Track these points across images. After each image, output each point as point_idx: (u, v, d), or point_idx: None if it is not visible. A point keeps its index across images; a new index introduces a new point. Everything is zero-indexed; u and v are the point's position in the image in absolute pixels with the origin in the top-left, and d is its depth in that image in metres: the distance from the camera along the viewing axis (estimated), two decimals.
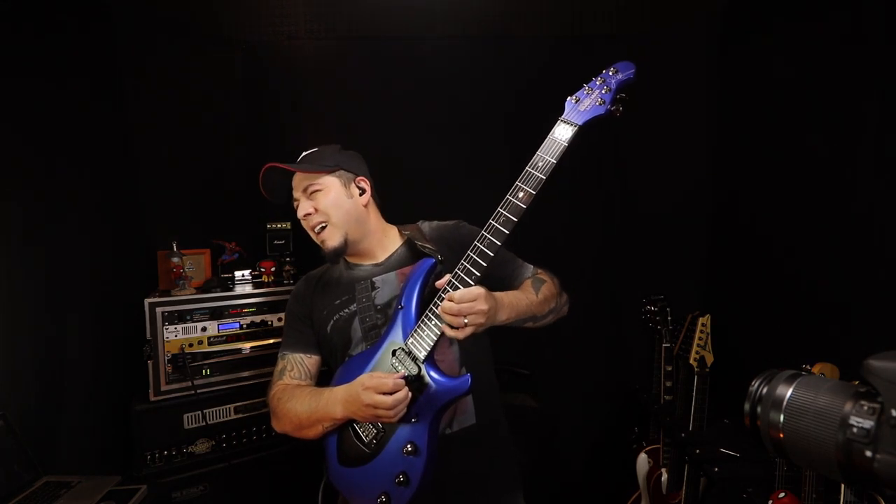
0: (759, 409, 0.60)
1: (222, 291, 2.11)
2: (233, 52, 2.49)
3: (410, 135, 2.54)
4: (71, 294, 1.97)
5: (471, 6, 2.54)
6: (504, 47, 2.59)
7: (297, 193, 1.44)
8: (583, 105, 1.21)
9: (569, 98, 1.23)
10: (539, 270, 1.48)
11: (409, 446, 1.23)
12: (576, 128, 1.20)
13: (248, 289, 2.16)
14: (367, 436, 1.29)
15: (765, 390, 0.60)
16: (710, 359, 2.08)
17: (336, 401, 1.27)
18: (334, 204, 1.41)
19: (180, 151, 2.41)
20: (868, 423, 0.50)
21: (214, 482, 2.01)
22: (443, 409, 1.23)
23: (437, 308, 1.22)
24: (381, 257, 1.47)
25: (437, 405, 1.22)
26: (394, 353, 1.28)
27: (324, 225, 1.40)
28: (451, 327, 1.18)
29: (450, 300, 1.17)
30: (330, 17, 2.55)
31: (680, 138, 2.63)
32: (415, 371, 1.23)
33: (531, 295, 1.37)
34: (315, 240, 1.45)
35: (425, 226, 1.51)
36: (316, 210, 1.40)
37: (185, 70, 2.41)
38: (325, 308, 1.44)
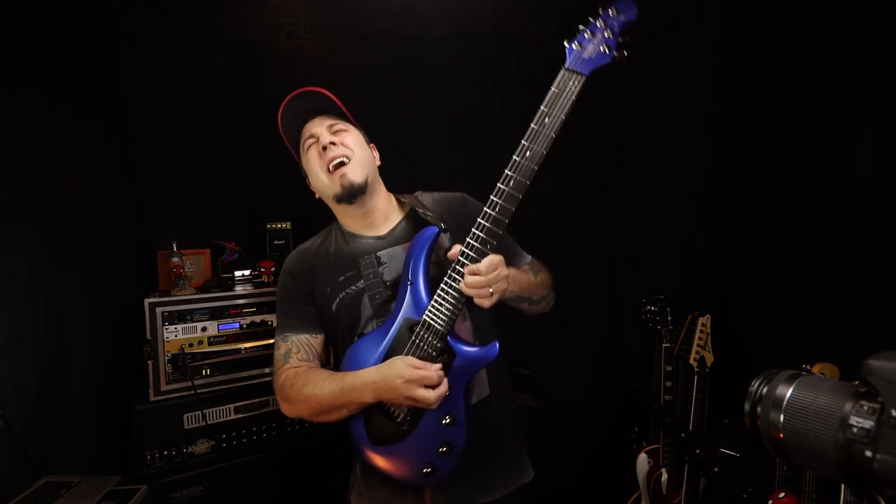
0: (759, 409, 0.60)
1: (222, 291, 2.12)
2: (233, 52, 2.49)
3: (410, 134, 2.54)
4: (71, 294, 1.97)
5: (470, 6, 2.55)
6: (503, 46, 2.60)
7: (317, 129, 1.38)
8: (587, 52, 1.13)
9: (569, 44, 1.14)
10: (535, 259, 1.51)
11: (447, 418, 1.23)
12: (584, 78, 1.12)
13: (248, 289, 2.16)
14: (397, 414, 1.26)
15: (765, 390, 0.60)
16: (710, 359, 2.08)
17: (366, 386, 1.23)
18: (358, 144, 1.39)
19: (180, 151, 2.41)
20: (868, 423, 0.50)
21: (214, 482, 2.01)
22: (473, 377, 1.25)
23: (453, 281, 1.20)
24: (384, 229, 1.42)
25: (468, 374, 1.23)
26: (410, 328, 1.25)
27: (345, 160, 1.34)
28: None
29: (474, 273, 1.17)
30: (330, 17, 2.55)
31: (681, 137, 2.63)
32: (439, 346, 1.22)
33: (530, 275, 1.39)
34: (324, 180, 1.36)
35: (426, 197, 1.47)
36: (341, 144, 1.35)
37: (185, 70, 2.41)
38: (329, 285, 1.38)
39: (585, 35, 1.14)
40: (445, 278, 1.22)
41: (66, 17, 2.00)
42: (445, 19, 2.55)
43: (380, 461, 1.30)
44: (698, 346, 2.08)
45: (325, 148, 1.34)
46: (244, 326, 2.10)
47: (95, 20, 2.17)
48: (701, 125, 2.62)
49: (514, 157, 1.17)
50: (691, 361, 2.09)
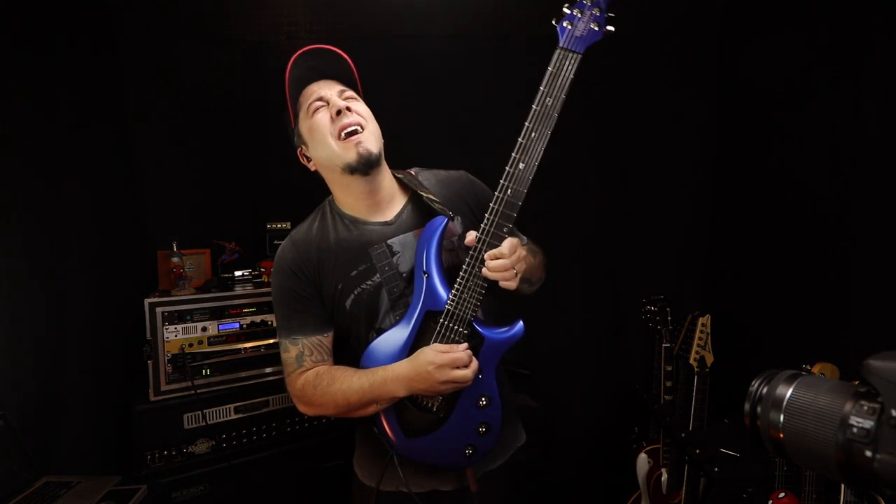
0: (759, 409, 0.60)
1: (222, 291, 2.11)
2: (233, 52, 2.49)
3: (410, 134, 2.54)
4: (71, 294, 1.97)
5: (470, 6, 2.55)
6: (503, 47, 2.60)
7: (326, 92, 1.30)
8: (578, 30, 1.14)
9: (560, 24, 1.15)
10: (530, 241, 1.50)
11: (483, 400, 1.26)
12: (579, 57, 1.14)
13: (249, 289, 2.16)
14: (430, 404, 1.27)
15: (765, 390, 0.60)
16: (710, 359, 2.08)
17: (398, 380, 1.22)
18: (369, 115, 1.33)
19: (180, 151, 2.41)
20: (868, 423, 0.50)
21: (214, 482, 2.01)
22: (501, 357, 1.27)
23: (472, 268, 1.20)
24: (390, 214, 1.35)
25: (498, 356, 1.26)
26: (434, 320, 1.25)
27: (359, 128, 1.27)
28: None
29: (498, 257, 1.18)
30: (330, 17, 2.55)
31: (681, 137, 2.63)
32: (466, 332, 1.23)
33: (531, 257, 1.38)
34: (334, 148, 1.27)
35: (426, 175, 1.43)
36: (355, 112, 1.29)
37: (186, 70, 2.41)
38: (340, 281, 1.30)
39: (575, 13, 1.15)
40: (465, 266, 1.22)
41: (66, 16, 2.00)
42: (446, 19, 2.55)
43: (417, 453, 1.30)
44: (698, 346, 2.08)
45: (338, 113, 1.27)
46: (244, 326, 2.10)
47: (96, 20, 2.17)
48: (701, 125, 2.62)
49: (518, 139, 1.17)
50: (691, 361, 2.09)
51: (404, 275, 1.31)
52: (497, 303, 1.42)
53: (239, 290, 2.15)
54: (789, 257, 2.12)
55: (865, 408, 0.51)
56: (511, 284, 1.21)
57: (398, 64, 2.58)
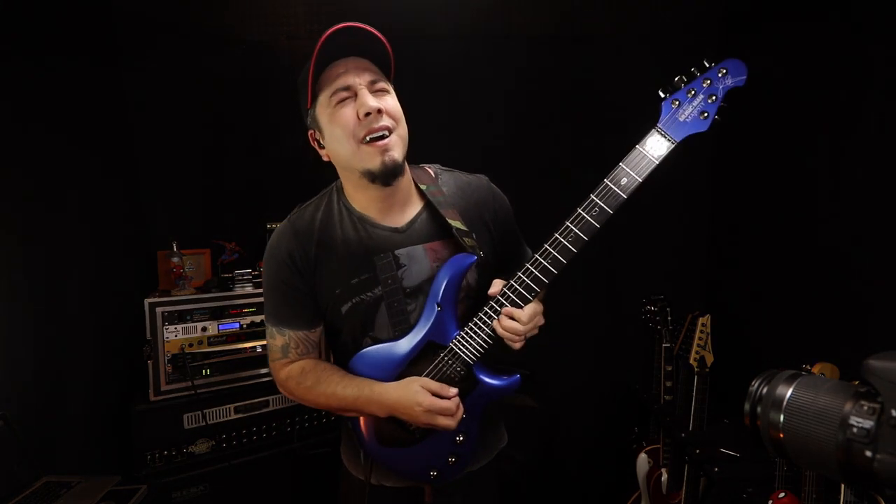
0: (759, 409, 0.60)
1: (222, 291, 2.12)
2: (233, 52, 2.49)
3: (409, 134, 2.54)
4: (71, 294, 1.97)
5: (470, 5, 2.54)
6: (504, 47, 2.59)
7: (353, 80, 1.15)
8: (683, 113, 1.03)
9: (665, 99, 1.04)
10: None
11: (460, 437, 1.26)
12: (673, 145, 1.03)
13: (249, 289, 2.16)
14: (411, 425, 1.26)
15: (765, 390, 0.60)
16: (710, 359, 2.08)
17: (382, 405, 1.19)
18: (400, 114, 1.18)
19: (180, 151, 2.41)
20: (868, 423, 0.50)
21: (214, 482, 2.01)
22: (492, 403, 1.26)
23: (489, 318, 1.17)
24: (402, 219, 1.25)
25: (486, 402, 1.25)
26: (434, 350, 1.22)
27: (387, 132, 1.13)
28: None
29: (513, 318, 1.15)
30: (330, 17, 2.55)
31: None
32: (462, 373, 1.21)
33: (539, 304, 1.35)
34: (353, 150, 1.13)
35: (446, 178, 1.33)
36: (385, 112, 1.14)
37: (186, 69, 2.41)
38: (338, 286, 1.22)
39: (685, 93, 1.02)
40: (481, 314, 1.18)
41: (66, 15, 2.00)
42: (446, 19, 2.55)
43: (384, 461, 1.30)
44: (698, 346, 2.08)
45: (367, 114, 1.12)
46: (244, 326, 2.10)
47: (96, 20, 2.17)
48: None
49: (578, 209, 1.10)
50: (691, 361, 2.09)
51: (407, 290, 1.24)
52: None
53: (239, 290, 2.15)
54: (789, 257, 2.12)
55: (865, 408, 0.51)
56: (517, 346, 1.18)
57: (397, 64, 2.57)
